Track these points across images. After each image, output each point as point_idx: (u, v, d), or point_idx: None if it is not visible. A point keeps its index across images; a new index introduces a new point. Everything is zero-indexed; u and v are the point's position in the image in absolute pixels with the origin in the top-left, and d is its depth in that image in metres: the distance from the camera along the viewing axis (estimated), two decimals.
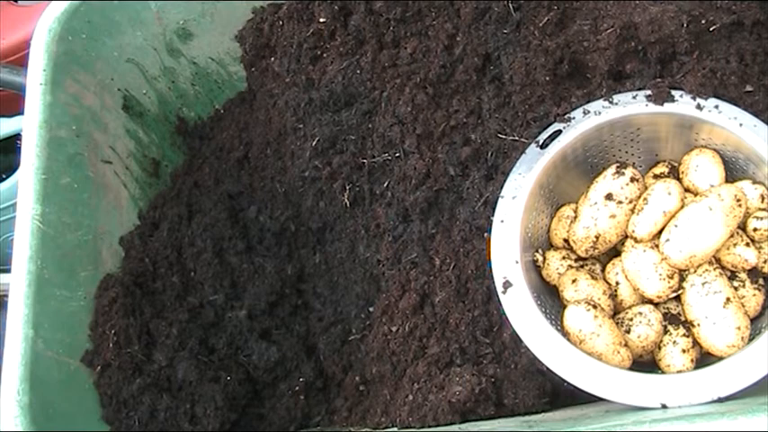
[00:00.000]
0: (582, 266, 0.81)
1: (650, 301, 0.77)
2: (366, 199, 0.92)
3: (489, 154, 0.87)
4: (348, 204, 0.92)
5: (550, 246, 0.83)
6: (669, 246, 0.74)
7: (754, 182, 0.76)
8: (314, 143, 0.93)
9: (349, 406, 0.88)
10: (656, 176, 0.81)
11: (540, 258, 0.81)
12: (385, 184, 0.90)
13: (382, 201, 0.91)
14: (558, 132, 0.81)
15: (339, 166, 0.92)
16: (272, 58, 0.99)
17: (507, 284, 0.76)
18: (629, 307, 0.77)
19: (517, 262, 0.77)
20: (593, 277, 0.78)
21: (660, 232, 0.76)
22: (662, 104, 0.79)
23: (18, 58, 1.35)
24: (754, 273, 0.76)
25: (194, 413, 0.85)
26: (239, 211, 0.99)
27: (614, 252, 0.81)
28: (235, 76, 1.07)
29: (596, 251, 0.79)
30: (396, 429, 0.80)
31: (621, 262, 0.78)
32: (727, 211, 0.73)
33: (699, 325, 0.73)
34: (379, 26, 0.92)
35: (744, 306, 0.74)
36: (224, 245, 0.95)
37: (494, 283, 0.77)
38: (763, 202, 0.76)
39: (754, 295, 0.75)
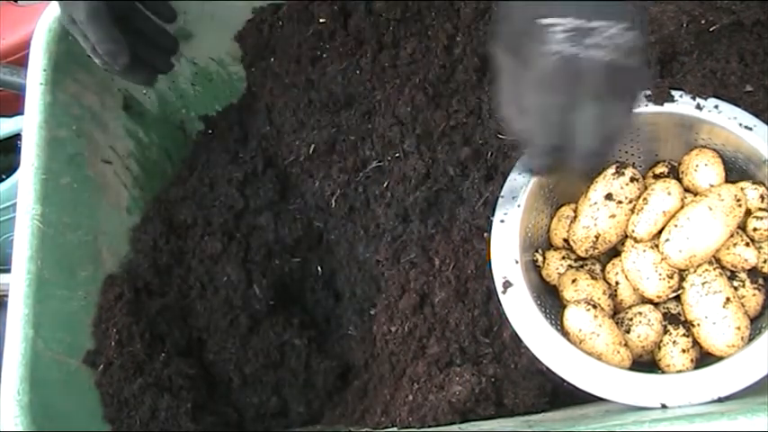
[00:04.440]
0: (582, 266, 0.81)
1: (650, 301, 0.77)
2: (365, 199, 0.92)
3: (489, 154, 0.87)
4: (347, 205, 0.92)
5: (550, 246, 0.83)
6: (669, 246, 0.74)
7: (754, 182, 0.76)
8: (313, 145, 0.93)
9: (349, 406, 0.88)
10: (656, 176, 0.81)
11: (540, 258, 0.81)
12: (384, 185, 0.90)
13: (382, 201, 0.91)
14: None
15: (339, 167, 0.92)
16: (272, 59, 0.99)
17: (507, 284, 0.76)
18: (629, 307, 0.77)
19: (517, 262, 0.77)
20: (592, 277, 0.78)
21: (660, 232, 0.76)
22: (662, 104, 0.79)
23: (18, 58, 1.35)
24: (753, 273, 0.76)
25: (195, 413, 0.85)
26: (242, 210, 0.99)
27: (614, 252, 0.81)
28: (235, 76, 1.07)
29: (596, 251, 0.79)
30: (396, 429, 0.80)
31: (621, 262, 0.78)
32: (727, 211, 0.73)
33: (699, 325, 0.73)
34: (379, 26, 0.92)
35: (744, 306, 0.74)
36: (227, 245, 0.95)
37: (494, 283, 0.77)
38: (763, 202, 0.76)
39: (754, 295, 0.75)
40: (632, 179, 0.78)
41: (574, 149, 0.55)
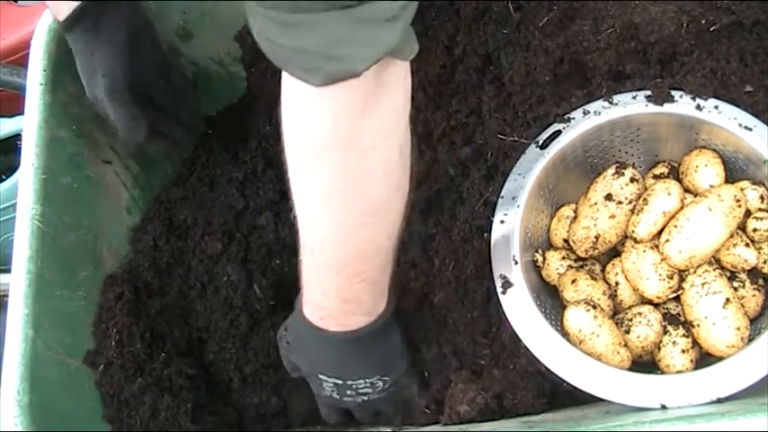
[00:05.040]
0: (582, 267, 0.81)
1: (650, 302, 0.77)
2: None
3: (489, 154, 0.87)
4: None
5: (550, 246, 0.83)
6: (669, 246, 0.74)
7: (754, 182, 0.76)
8: None
9: None
10: (655, 177, 0.81)
11: (540, 258, 0.81)
12: None
13: None
14: (558, 132, 0.81)
15: None
16: None
17: (507, 284, 0.76)
18: (629, 307, 0.77)
19: (517, 262, 0.77)
20: (592, 277, 0.78)
21: (660, 233, 0.76)
22: (662, 105, 0.79)
23: (18, 58, 1.35)
24: (753, 273, 0.76)
25: (195, 413, 0.85)
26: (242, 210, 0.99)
27: (614, 252, 0.81)
28: (235, 76, 1.07)
29: (596, 251, 0.79)
30: (395, 429, 0.80)
31: (621, 262, 0.78)
32: (727, 212, 0.73)
33: (698, 325, 0.73)
34: None
35: (743, 306, 0.74)
36: (227, 245, 0.95)
37: (494, 283, 0.77)
38: (762, 202, 0.76)
39: (754, 296, 0.75)
40: (632, 179, 0.78)
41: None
